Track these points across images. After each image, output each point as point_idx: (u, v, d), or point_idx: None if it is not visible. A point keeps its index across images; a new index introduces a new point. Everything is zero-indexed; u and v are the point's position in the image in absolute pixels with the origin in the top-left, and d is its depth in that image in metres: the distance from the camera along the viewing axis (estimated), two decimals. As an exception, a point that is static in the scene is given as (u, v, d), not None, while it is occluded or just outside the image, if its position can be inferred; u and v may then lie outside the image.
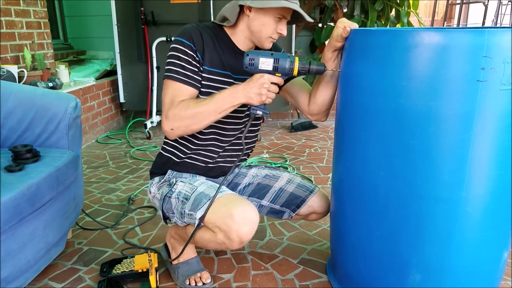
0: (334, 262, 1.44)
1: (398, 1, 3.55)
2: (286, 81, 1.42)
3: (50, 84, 2.74)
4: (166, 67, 1.27)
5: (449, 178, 1.02)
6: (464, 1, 5.10)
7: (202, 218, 1.20)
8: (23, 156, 1.43)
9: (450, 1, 5.25)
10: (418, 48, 0.98)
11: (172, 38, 1.26)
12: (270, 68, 1.18)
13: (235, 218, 1.15)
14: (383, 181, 1.10)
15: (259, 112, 1.23)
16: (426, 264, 1.11)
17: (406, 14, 3.55)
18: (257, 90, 1.17)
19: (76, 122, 1.64)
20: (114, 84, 3.69)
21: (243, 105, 1.25)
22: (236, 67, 1.30)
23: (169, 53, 1.27)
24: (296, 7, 1.20)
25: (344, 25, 1.16)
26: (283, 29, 1.26)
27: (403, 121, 1.03)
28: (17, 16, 2.79)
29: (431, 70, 0.97)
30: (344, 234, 1.30)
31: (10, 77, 2.44)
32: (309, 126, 3.64)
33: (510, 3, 5.23)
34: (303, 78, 1.48)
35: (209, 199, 1.21)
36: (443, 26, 5.51)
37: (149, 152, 3.02)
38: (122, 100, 3.64)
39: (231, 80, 1.31)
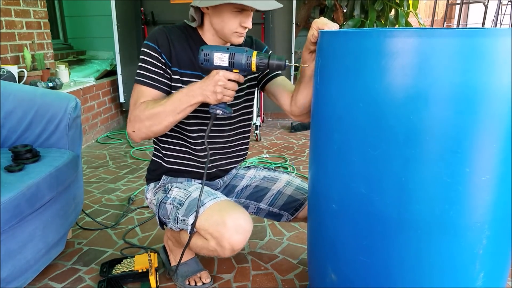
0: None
1: (397, 1, 3.55)
2: (268, 80, 1.37)
3: (50, 84, 2.74)
4: (136, 71, 1.26)
5: (435, 196, 0.88)
6: (464, 1, 5.10)
7: (194, 224, 1.19)
8: (23, 156, 1.43)
9: (450, 1, 5.25)
10: (393, 51, 0.84)
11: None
12: (226, 64, 1.10)
13: (227, 225, 1.14)
14: (362, 200, 0.96)
15: (219, 112, 1.15)
16: None
17: (405, 14, 3.56)
18: (212, 88, 1.11)
19: (76, 122, 1.64)
20: (114, 84, 3.69)
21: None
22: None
23: (140, 58, 1.26)
24: (245, 1, 1.09)
25: (317, 26, 1.05)
26: (246, 22, 1.18)
27: (380, 135, 0.90)
28: (17, 16, 2.79)
29: (410, 77, 0.83)
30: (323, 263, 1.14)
31: (10, 77, 2.44)
32: (309, 126, 3.60)
33: (510, 3, 5.23)
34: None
35: (203, 205, 1.20)
36: (443, 26, 5.51)
37: (149, 152, 3.02)
38: (122, 100, 3.64)
39: None
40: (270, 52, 1.19)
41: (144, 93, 1.22)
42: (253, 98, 1.42)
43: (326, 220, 1.09)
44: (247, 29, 1.21)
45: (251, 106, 1.43)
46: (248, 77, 1.36)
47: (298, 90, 1.27)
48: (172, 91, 1.26)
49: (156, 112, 1.17)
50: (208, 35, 1.26)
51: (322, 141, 1.05)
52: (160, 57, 1.23)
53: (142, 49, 1.25)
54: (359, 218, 0.98)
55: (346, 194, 1.00)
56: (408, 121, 0.86)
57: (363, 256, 1.00)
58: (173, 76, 1.26)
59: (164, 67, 1.24)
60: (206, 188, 1.30)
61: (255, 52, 1.11)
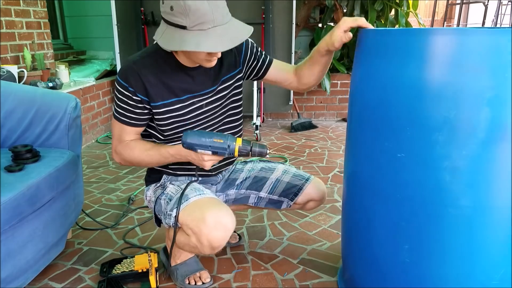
0: (345, 271, 1.39)
1: (397, 1, 3.55)
2: (266, 71, 1.41)
3: (50, 84, 2.74)
4: (114, 105, 1.29)
5: (468, 186, 0.97)
6: (464, 1, 5.09)
7: (176, 217, 1.21)
8: (23, 156, 1.43)
9: (450, 1, 5.25)
10: (434, 47, 0.95)
11: (116, 77, 1.24)
12: (209, 153, 1.19)
13: (207, 221, 1.15)
14: (400, 187, 1.05)
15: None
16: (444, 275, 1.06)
17: (405, 14, 3.56)
18: (197, 163, 1.22)
19: (76, 122, 1.64)
20: (114, 84, 3.68)
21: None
22: (193, 85, 1.27)
23: (115, 95, 1.27)
24: (202, 46, 1.06)
25: (348, 26, 1.13)
26: (213, 53, 1.15)
27: (421, 124, 0.98)
28: (17, 16, 2.79)
29: (453, 72, 0.93)
30: (356, 245, 1.25)
31: (10, 77, 2.44)
32: (309, 126, 3.64)
33: (510, 3, 5.23)
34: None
35: (187, 200, 1.22)
36: (443, 26, 5.51)
37: (149, 152, 3.02)
38: (122, 100, 3.64)
39: (193, 100, 1.28)
40: (252, 142, 1.23)
41: (126, 130, 1.28)
42: (240, 98, 1.43)
43: (364, 206, 1.17)
44: (216, 57, 1.18)
45: (239, 106, 1.43)
46: (230, 73, 1.35)
47: (310, 73, 1.35)
48: (165, 122, 1.27)
49: (142, 160, 1.29)
50: (182, 58, 1.23)
51: (363, 132, 1.13)
52: (134, 96, 1.23)
53: (116, 85, 1.26)
54: (398, 203, 1.07)
55: (390, 181, 1.07)
56: (446, 111, 0.95)
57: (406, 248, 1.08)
58: (157, 110, 1.25)
59: (139, 104, 1.24)
60: (196, 185, 1.32)
61: (237, 144, 1.17)
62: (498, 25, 5.09)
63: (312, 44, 3.93)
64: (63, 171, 1.46)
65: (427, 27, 1.82)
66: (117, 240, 1.76)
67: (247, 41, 1.38)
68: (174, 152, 1.24)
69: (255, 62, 1.39)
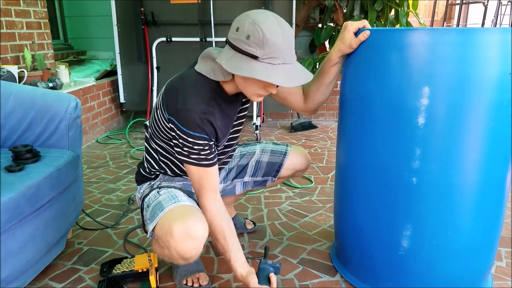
0: (338, 247, 1.54)
1: (397, 1, 3.55)
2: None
3: (50, 85, 2.74)
4: (184, 153, 1.22)
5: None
6: (464, 1, 5.10)
7: (152, 231, 1.23)
8: (23, 156, 1.43)
9: (450, 1, 5.26)
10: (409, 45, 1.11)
11: (180, 126, 1.17)
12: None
13: (174, 235, 1.13)
14: (390, 170, 1.21)
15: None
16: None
17: (405, 14, 3.56)
18: None
19: (76, 122, 1.65)
20: (114, 84, 3.69)
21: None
22: (235, 115, 1.33)
23: (184, 143, 1.19)
24: (272, 78, 1.07)
25: (356, 28, 1.21)
26: (271, 88, 1.15)
27: (433, 115, 1.11)
28: (17, 16, 2.80)
29: (456, 67, 1.07)
30: (348, 219, 1.41)
31: (10, 77, 2.44)
32: (309, 126, 3.64)
33: (509, 3, 5.23)
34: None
35: (162, 210, 1.21)
36: (443, 26, 5.51)
37: (149, 152, 3.02)
38: (122, 100, 3.64)
39: (230, 131, 1.35)
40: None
41: (206, 173, 1.25)
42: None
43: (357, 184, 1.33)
44: (272, 92, 1.19)
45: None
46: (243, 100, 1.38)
47: (320, 91, 1.40)
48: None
49: (218, 243, 1.27)
50: (230, 86, 1.23)
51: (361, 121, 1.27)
52: (211, 143, 1.23)
53: (192, 139, 1.18)
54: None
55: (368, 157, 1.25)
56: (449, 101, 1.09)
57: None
58: (218, 144, 1.29)
59: (214, 148, 1.26)
60: (173, 190, 1.31)
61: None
62: (497, 25, 5.09)
63: (312, 44, 3.92)
64: (63, 171, 1.47)
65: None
66: (117, 240, 1.76)
67: None
68: (241, 272, 1.24)
69: None
